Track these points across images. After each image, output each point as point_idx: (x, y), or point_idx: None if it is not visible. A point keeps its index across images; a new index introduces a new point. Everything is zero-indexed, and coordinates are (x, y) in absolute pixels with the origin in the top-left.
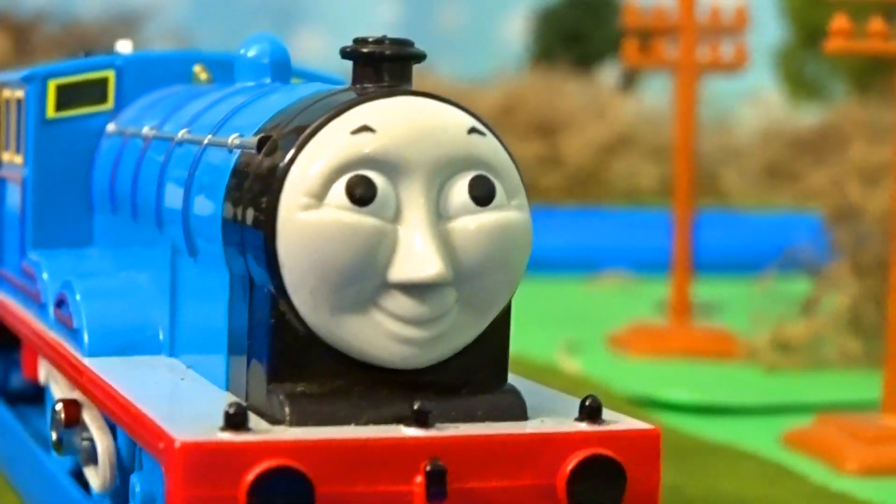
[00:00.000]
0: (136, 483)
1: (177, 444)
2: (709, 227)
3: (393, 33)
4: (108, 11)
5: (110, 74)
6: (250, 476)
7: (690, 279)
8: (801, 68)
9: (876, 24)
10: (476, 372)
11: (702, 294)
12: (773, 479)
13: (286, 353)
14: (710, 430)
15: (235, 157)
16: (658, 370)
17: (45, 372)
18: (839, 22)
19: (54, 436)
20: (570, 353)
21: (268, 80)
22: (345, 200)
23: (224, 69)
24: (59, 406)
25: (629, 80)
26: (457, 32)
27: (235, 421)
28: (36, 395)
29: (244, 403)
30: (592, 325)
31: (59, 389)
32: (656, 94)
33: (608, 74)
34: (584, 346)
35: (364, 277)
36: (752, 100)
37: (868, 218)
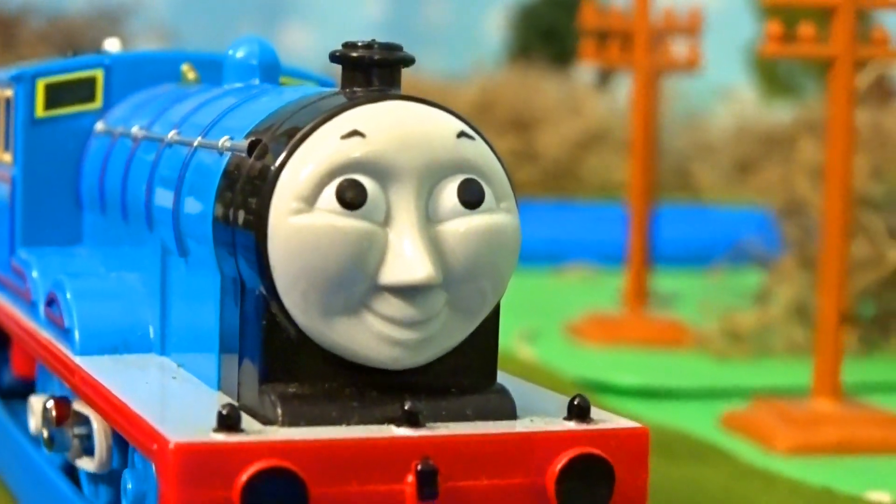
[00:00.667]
0: (127, 480)
1: (171, 446)
2: (671, 221)
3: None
4: (93, 6)
5: (99, 74)
6: (244, 477)
7: (646, 271)
8: (774, 66)
9: (806, 29)
10: (465, 372)
11: (662, 285)
12: (704, 457)
13: (277, 355)
14: (653, 413)
15: (226, 159)
16: (610, 357)
17: (35, 421)
18: (772, 27)
19: (45, 433)
20: (527, 341)
21: (256, 82)
22: (335, 204)
23: (212, 69)
24: (49, 404)
25: (605, 78)
26: (441, 29)
27: (228, 422)
28: (26, 391)
29: (236, 404)
30: (552, 314)
31: None
32: (631, 91)
33: (584, 71)
34: (542, 335)
35: (355, 280)
36: (726, 97)
37: (814, 212)
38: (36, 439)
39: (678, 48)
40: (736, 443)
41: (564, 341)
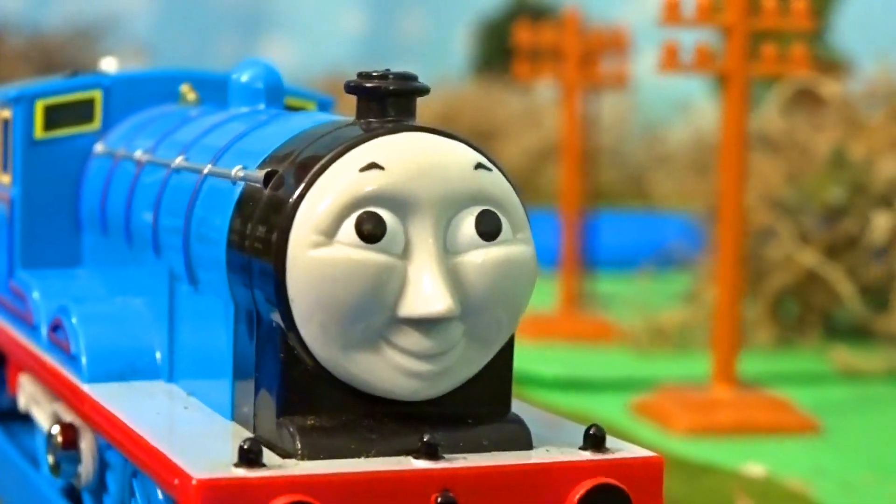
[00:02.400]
0: None
1: (194, 482)
2: (624, 227)
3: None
4: (71, 25)
5: (97, 95)
6: None
7: (578, 274)
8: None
9: (703, 47)
10: (481, 402)
11: (603, 288)
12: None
13: (295, 387)
14: (570, 401)
15: (239, 189)
16: (539, 352)
17: (25, 399)
18: (667, 44)
19: (51, 459)
20: None
21: (262, 106)
22: (354, 238)
23: (211, 89)
24: (55, 430)
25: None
26: (417, 42)
27: (250, 456)
28: (24, 412)
29: (253, 436)
30: None
31: (42, 414)
32: (593, 105)
33: (547, 86)
34: None
35: (373, 313)
36: (685, 109)
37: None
38: (24, 416)
39: (617, 66)
40: (640, 426)
41: None
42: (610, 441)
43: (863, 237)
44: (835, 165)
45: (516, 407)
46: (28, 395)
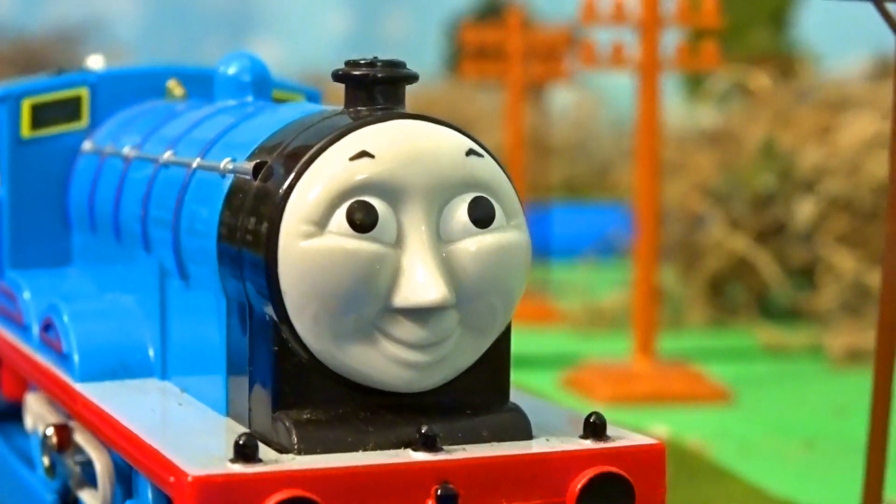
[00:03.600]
0: None
1: (189, 479)
2: (592, 218)
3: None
4: (57, 28)
5: (84, 92)
6: None
7: None
8: (698, 74)
9: (617, 44)
10: (479, 392)
11: (554, 276)
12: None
13: (290, 380)
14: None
15: (228, 181)
16: None
17: (31, 420)
18: (585, 42)
19: (46, 461)
20: None
21: (249, 99)
22: (346, 227)
23: (198, 83)
24: (50, 431)
25: (538, 90)
26: (399, 41)
27: (246, 452)
28: (17, 413)
29: (249, 431)
30: None
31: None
32: (561, 102)
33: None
34: None
35: (367, 303)
36: None
37: (668, 204)
38: (18, 416)
39: (560, 64)
40: (566, 396)
41: None
42: (610, 429)
43: (790, 222)
44: (765, 155)
45: (514, 395)
46: (35, 415)
